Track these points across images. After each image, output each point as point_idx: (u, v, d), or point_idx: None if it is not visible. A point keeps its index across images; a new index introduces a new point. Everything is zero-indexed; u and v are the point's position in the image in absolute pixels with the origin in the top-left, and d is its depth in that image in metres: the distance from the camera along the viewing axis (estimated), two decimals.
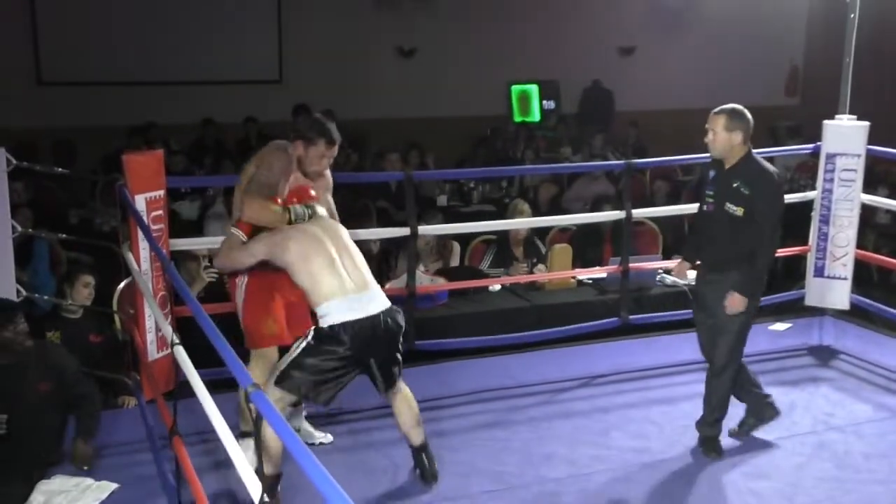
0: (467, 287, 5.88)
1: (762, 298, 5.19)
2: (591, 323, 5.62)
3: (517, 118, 12.44)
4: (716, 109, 4.17)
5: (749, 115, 4.15)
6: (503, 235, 6.52)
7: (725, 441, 4.43)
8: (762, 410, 4.50)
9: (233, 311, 4.12)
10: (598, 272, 6.02)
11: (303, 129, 3.99)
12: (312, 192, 3.91)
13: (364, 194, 8.23)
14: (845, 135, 5.73)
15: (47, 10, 10.33)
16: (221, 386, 3.61)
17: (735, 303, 4.13)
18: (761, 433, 4.53)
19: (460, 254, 6.60)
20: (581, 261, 6.31)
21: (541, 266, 6.31)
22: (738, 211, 4.11)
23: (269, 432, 3.18)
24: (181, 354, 3.12)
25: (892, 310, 5.78)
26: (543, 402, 4.99)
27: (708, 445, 4.36)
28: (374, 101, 11.24)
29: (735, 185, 4.11)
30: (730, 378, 4.30)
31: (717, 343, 4.26)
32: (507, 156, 10.44)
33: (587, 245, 6.55)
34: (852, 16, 5.73)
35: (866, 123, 5.72)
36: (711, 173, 4.28)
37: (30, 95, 10.29)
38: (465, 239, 6.63)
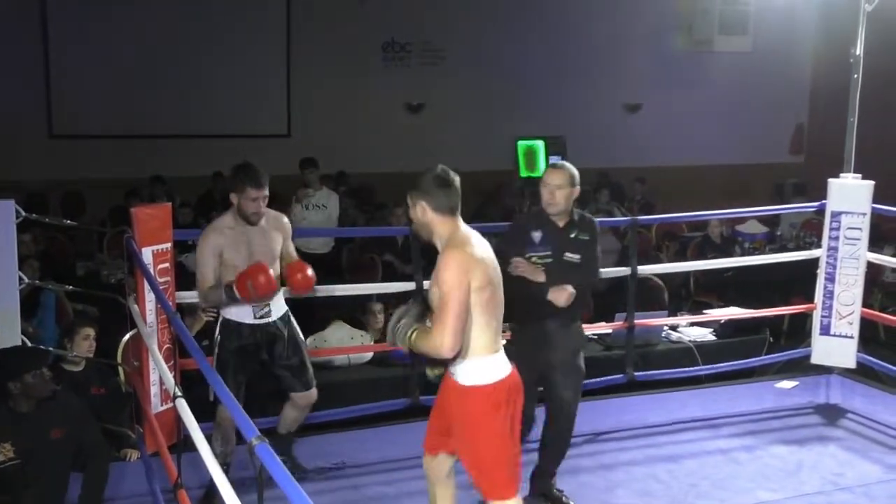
0: None
1: (768, 356, 5.18)
2: (597, 379, 5.58)
3: (523, 173, 12.51)
4: (552, 164, 4.38)
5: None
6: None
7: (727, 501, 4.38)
8: None
9: None
10: (604, 328, 6.01)
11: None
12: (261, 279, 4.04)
13: (370, 248, 8.27)
14: (850, 193, 5.76)
15: (60, 64, 10.49)
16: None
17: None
18: (769, 493, 4.47)
19: None
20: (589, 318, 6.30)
21: None
22: (577, 257, 4.25)
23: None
24: (183, 407, 3.11)
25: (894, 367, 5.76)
26: None
27: None
28: (382, 156, 11.32)
29: (573, 235, 4.26)
30: None
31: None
32: (514, 210, 10.48)
33: (604, 299, 6.53)
34: (856, 76, 5.80)
35: (871, 182, 5.75)
36: (537, 234, 4.26)
37: (41, 148, 10.39)
38: None
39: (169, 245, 4.49)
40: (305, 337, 5.91)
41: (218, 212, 9.57)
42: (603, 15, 12.20)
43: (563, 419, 4.34)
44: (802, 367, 6.13)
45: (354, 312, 6.25)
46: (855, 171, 5.84)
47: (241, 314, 4.27)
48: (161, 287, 4.21)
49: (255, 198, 4.17)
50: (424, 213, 3.28)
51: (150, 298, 4.37)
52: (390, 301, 6.16)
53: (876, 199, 5.73)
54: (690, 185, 11.18)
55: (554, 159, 12.55)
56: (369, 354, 5.97)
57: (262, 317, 4.30)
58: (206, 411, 3.12)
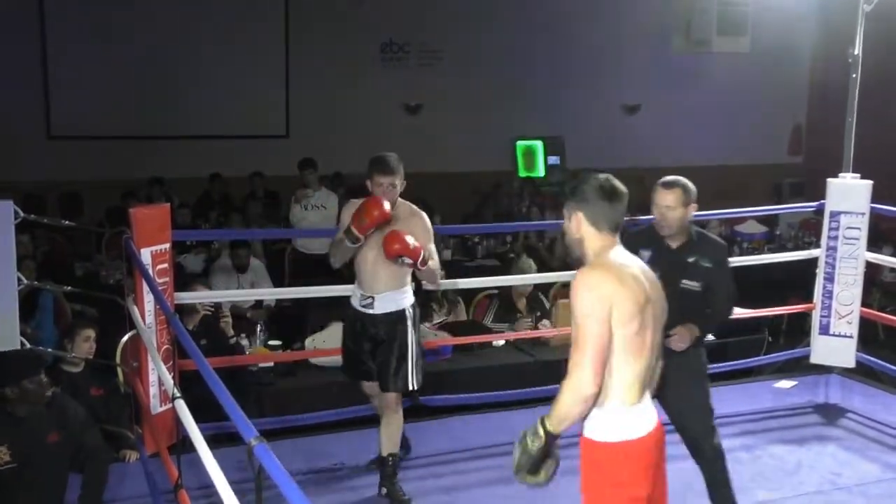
0: (472, 342, 5.87)
1: (767, 356, 5.16)
2: None
3: (522, 173, 12.52)
4: (664, 182, 3.93)
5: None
6: (507, 290, 6.53)
7: None
8: None
9: (236, 364, 4.13)
10: None
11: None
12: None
13: None
14: (849, 193, 5.76)
15: (59, 66, 10.50)
16: (227, 439, 3.60)
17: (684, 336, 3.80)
18: (768, 493, 4.48)
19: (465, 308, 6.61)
20: None
21: (545, 321, 6.30)
22: (698, 286, 3.87)
23: None
24: (182, 408, 3.11)
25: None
26: None
27: None
28: None
29: (692, 259, 3.89)
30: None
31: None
32: (512, 211, 10.49)
33: None
34: (854, 75, 5.80)
35: (870, 182, 5.75)
36: (646, 254, 3.74)
37: (39, 149, 10.40)
38: (469, 294, 6.63)
39: (167, 246, 4.49)
40: (304, 338, 5.97)
41: (216, 212, 9.65)
42: (602, 15, 12.20)
43: (704, 461, 3.93)
44: (802, 367, 6.13)
45: None
46: (853, 171, 5.84)
47: (354, 299, 4.43)
48: (160, 288, 4.21)
49: (379, 184, 4.31)
50: (580, 227, 2.77)
51: (148, 299, 4.36)
52: None
53: (874, 199, 5.73)
54: None
55: (553, 160, 12.59)
56: None
57: (364, 306, 4.38)
58: (204, 411, 3.10)
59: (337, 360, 5.82)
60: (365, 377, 4.52)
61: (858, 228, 5.72)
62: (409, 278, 4.42)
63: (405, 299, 4.42)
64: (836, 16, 6.96)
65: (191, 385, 3.88)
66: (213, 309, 5.74)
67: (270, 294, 7.04)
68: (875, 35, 5.88)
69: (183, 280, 5.95)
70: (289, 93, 11.57)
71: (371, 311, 4.36)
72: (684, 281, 3.86)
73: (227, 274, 7.32)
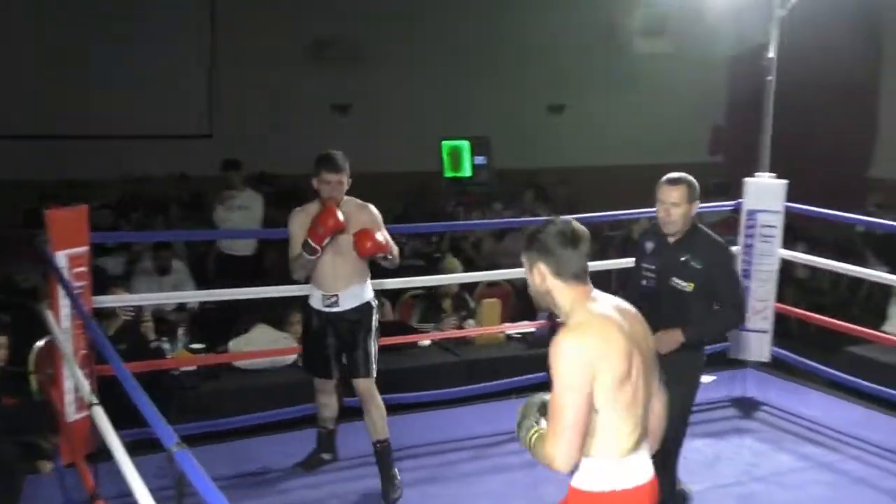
0: (398, 343, 5.87)
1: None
2: (521, 377, 5.63)
3: (448, 173, 12.56)
4: (669, 179, 3.87)
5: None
6: (433, 290, 6.54)
7: None
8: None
9: (157, 368, 4.06)
10: (527, 327, 6.06)
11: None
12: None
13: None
14: (765, 192, 5.91)
15: None
16: (149, 446, 3.52)
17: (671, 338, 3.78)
18: (688, 484, 4.56)
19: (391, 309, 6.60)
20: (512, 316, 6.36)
21: (470, 321, 6.34)
22: (688, 286, 3.85)
23: None
24: (100, 415, 3.04)
25: (811, 362, 5.94)
26: (474, 458, 4.97)
27: None
28: (307, 157, 11.13)
29: (683, 258, 3.88)
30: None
31: None
32: (439, 211, 10.51)
33: (526, 300, 6.59)
34: (770, 78, 5.96)
35: (784, 181, 5.91)
36: (649, 245, 4.00)
37: None
38: (394, 294, 6.63)
39: (86, 248, 4.38)
40: (228, 340, 5.89)
41: (138, 214, 9.47)
42: (528, 16, 12.31)
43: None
44: (720, 362, 6.26)
45: (278, 315, 6.19)
46: (770, 171, 6.00)
47: (314, 301, 4.45)
48: (77, 291, 4.11)
49: (329, 181, 4.37)
50: (544, 280, 2.55)
51: (64, 303, 4.25)
52: None
53: (790, 198, 5.90)
54: (613, 185, 11.35)
55: (479, 160, 12.66)
56: (293, 357, 5.92)
57: (328, 306, 4.40)
58: (126, 418, 3.04)
59: (263, 362, 5.79)
60: (325, 374, 4.58)
61: (774, 226, 5.88)
62: (368, 271, 4.50)
63: (367, 291, 4.52)
64: (753, 19, 7.13)
65: (111, 391, 3.80)
66: (133, 314, 5.63)
67: (194, 297, 6.92)
68: (790, 38, 6.05)
69: (102, 283, 5.81)
70: (212, 92, 11.39)
71: (337, 309, 4.41)
72: (674, 279, 3.85)
73: (148, 277, 7.18)
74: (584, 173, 12.02)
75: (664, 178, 3.91)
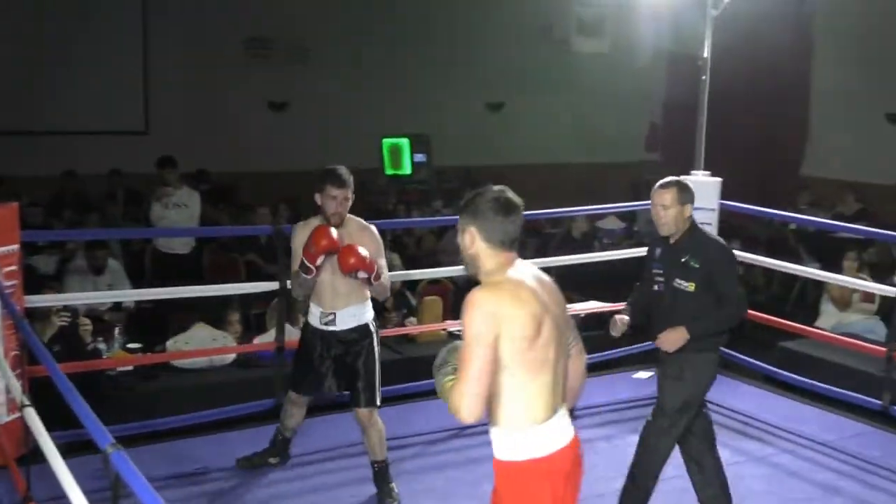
0: None
1: (626, 348, 5.29)
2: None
3: (388, 171, 12.52)
4: (661, 183, 4.04)
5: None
6: None
7: (584, 490, 4.50)
8: None
9: (92, 368, 3.98)
10: (459, 325, 6.06)
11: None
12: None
13: (232, 248, 8.10)
14: (700, 189, 5.94)
15: None
16: (86, 447, 3.45)
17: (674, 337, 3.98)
18: (624, 479, 4.61)
19: None
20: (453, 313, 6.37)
21: (412, 318, 6.33)
22: (690, 286, 3.98)
23: None
24: (32, 416, 2.97)
25: (745, 357, 6.06)
26: (415, 455, 4.97)
27: None
28: (244, 154, 11.09)
29: (683, 259, 4.01)
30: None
31: None
32: (379, 209, 10.48)
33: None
34: (704, 77, 6.07)
35: (719, 179, 6.02)
36: (658, 250, 4.16)
37: None
38: None
39: (16, 247, 4.28)
40: (166, 340, 5.80)
41: (70, 212, 9.25)
42: (466, 14, 12.34)
43: (640, 448, 4.23)
44: (658, 359, 6.34)
45: (216, 314, 6.12)
46: (705, 169, 6.11)
47: (312, 318, 4.39)
48: (7, 291, 4.01)
49: (335, 196, 4.22)
50: (473, 243, 2.66)
51: None
52: (253, 301, 6.06)
53: (724, 196, 6.01)
54: (552, 183, 11.46)
55: (419, 157, 12.65)
56: (232, 356, 5.86)
57: (325, 323, 4.34)
58: (62, 419, 2.97)
59: (200, 361, 5.72)
60: (313, 392, 4.55)
61: (709, 224, 5.98)
62: (368, 292, 4.40)
63: (367, 313, 4.44)
64: (688, 19, 7.25)
65: (46, 392, 3.72)
66: (69, 318, 5.48)
67: (130, 296, 6.79)
68: (723, 38, 6.17)
69: (35, 283, 5.67)
70: (147, 87, 11.17)
71: (333, 328, 4.36)
72: (677, 280, 3.99)
73: (82, 276, 7.02)
74: (523, 171, 12.08)
75: (658, 182, 4.07)
